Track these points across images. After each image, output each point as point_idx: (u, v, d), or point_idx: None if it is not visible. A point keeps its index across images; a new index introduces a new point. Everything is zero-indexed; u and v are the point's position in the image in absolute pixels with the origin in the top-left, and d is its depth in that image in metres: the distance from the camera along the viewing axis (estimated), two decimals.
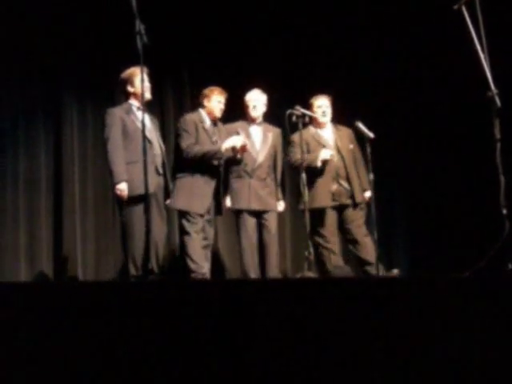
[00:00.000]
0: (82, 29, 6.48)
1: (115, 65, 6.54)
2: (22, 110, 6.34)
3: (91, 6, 6.44)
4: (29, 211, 6.28)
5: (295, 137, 5.85)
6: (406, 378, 3.12)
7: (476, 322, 3.26)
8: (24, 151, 6.32)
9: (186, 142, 5.55)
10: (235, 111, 6.13)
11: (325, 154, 5.79)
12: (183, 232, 5.61)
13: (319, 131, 6.03)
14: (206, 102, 5.73)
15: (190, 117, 5.72)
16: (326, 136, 6.02)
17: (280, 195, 5.99)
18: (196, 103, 5.88)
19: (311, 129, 6.00)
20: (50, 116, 6.48)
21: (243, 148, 5.60)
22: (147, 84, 5.24)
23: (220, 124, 5.82)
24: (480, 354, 3.19)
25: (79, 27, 6.47)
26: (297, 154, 5.83)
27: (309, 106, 5.97)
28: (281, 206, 5.99)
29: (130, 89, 5.30)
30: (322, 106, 6.00)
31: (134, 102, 5.32)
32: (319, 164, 5.78)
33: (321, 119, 6.00)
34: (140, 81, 5.22)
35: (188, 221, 5.54)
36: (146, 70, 5.26)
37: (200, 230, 5.54)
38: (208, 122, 5.71)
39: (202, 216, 5.54)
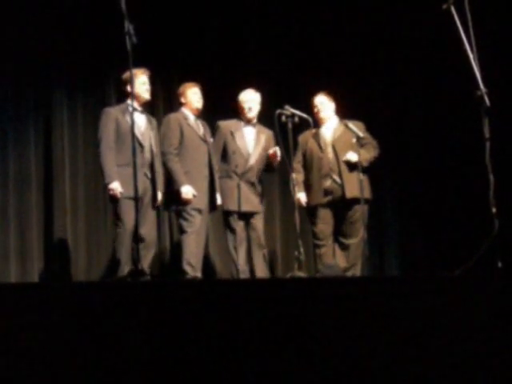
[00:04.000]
0: (72, 28, 6.46)
1: (105, 64, 6.58)
2: (11, 108, 6.31)
3: (81, 6, 6.43)
4: (19, 211, 6.25)
5: (299, 138, 6.00)
6: (395, 377, 3.14)
7: (466, 320, 3.27)
8: (14, 150, 6.29)
9: (167, 148, 5.60)
10: (226, 109, 6.15)
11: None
12: (181, 231, 5.62)
13: (320, 130, 6.01)
14: (183, 99, 5.81)
15: (173, 115, 5.79)
16: (327, 133, 6.00)
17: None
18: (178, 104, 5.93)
19: (312, 130, 5.95)
20: (39, 115, 6.45)
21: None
22: (147, 86, 5.48)
23: (203, 121, 5.86)
24: (470, 352, 3.20)
25: (69, 27, 6.45)
26: (298, 157, 5.98)
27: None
28: (274, 149, 5.82)
29: (129, 89, 5.29)
30: (317, 103, 6.02)
31: (133, 103, 5.35)
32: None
33: (317, 116, 5.99)
34: (140, 83, 5.38)
35: (185, 219, 5.54)
36: (147, 72, 5.39)
37: (198, 229, 5.53)
38: (192, 118, 5.77)
39: (199, 212, 5.55)
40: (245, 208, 5.73)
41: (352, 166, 5.80)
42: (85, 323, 3.05)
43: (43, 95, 6.49)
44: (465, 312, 3.29)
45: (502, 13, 6.34)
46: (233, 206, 5.73)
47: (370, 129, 5.98)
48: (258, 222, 5.83)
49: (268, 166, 5.95)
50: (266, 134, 5.97)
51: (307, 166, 6.00)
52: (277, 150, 5.76)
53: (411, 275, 6.02)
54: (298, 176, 5.90)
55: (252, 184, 5.82)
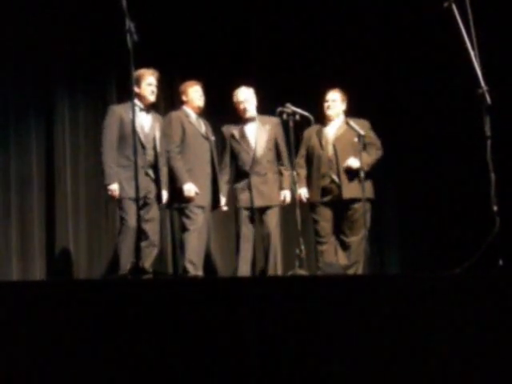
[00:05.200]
0: (73, 26, 6.46)
1: (106, 63, 6.58)
2: (13, 108, 6.32)
3: (82, 4, 6.43)
4: (21, 210, 6.26)
5: (304, 132, 5.98)
6: (395, 376, 3.14)
7: (467, 318, 3.27)
8: (15, 150, 6.30)
9: (170, 146, 5.63)
10: (227, 108, 6.15)
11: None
12: (183, 229, 5.62)
13: (324, 127, 5.99)
14: (184, 98, 5.83)
15: (175, 114, 5.80)
16: (330, 131, 5.98)
17: (286, 184, 5.91)
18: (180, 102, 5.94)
19: (317, 125, 5.95)
20: (41, 114, 6.46)
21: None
22: (153, 88, 5.48)
23: (205, 120, 5.88)
24: (471, 351, 3.20)
25: (70, 24, 6.45)
26: (302, 152, 5.99)
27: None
28: (285, 194, 5.88)
29: (135, 89, 5.30)
30: (328, 99, 5.99)
31: (138, 103, 5.38)
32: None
33: (326, 113, 5.98)
34: (146, 84, 5.41)
35: (188, 217, 5.55)
36: (156, 74, 5.39)
37: (200, 226, 5.53)
38: (193, 116, 5.78)
39: (202, 209, 5.55)
40: (258, 203, 5.75)
41: (353, 172, 5.78)
42: (86, 321, 3.05)
43: (44, 95, 6.50)
44: (466, 310, 3.29)
45: (503, 10, 6.33)
46: (246, 203, 5.76)
47: (370, 126, 5.98)
48: (270, 219, 5.81)
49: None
50: (270, 123, 5.93)
51: (309, 163, 6.01)
52: (286, 196, 5.85)
53: (412, 273, 6.01)
54: (300, 171, 5.92)
55: (263, 176, 5.82)
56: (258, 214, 5.83)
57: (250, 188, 5.77)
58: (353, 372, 3.12)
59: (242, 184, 5.81)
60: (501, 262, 4.09)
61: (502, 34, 6.28)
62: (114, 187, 5.26)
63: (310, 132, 6.01)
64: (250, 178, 5.79)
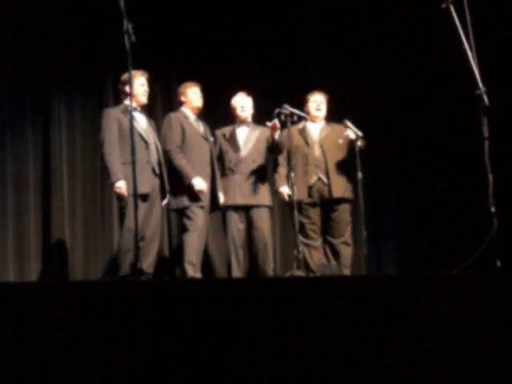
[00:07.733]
0: (71, 28, 6.46)
1: (103, 66, 6.58)
2: (9, 109, 6.31)
3: (80, 5, 6.43)
4: (17, 211, 6.26)
5: (283, 132, 5.85)
6: (394, 376, 3.14)
7: (464, 318, 3.28)
8: (12, 152, 6.29)
9: (170, 145, 5.59)
10: (224, 110, 6.14)
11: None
12: (183, 229, 5.60)
13: (309, 125, 6.02)
14: (183, 98, 5.82)
15: (174, 115, 5.79)
16: (314, 130, 6.01)
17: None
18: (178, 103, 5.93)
19: (301, 123, 5.96)
20: (38, 116, 6.46)
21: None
22: (146, 88, 5.47)
23: (203, 121, 5.86)
24: (469, 351, 3.20)
25: (67, 26, 6.46)
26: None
27: (304, 102, 6.03)
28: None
29: (127, 89, 5.28)
30: (317, 101, 6.03)
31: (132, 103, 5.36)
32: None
33: (315, 113, 6.01)
34: (139, 84, 5.41)
35: (189, 218, 5.52)
36: (146, 75, 5.38)
37: (200, 227, 5.51)
38: (192, 117, 5.78)
39: (203, 209, 5.53)
40: (240, 201, 5.74)
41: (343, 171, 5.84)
42: (83, 322, 3.05)
43: (41, 96, 6.49)
44: (463, 311, 3.29)
45: (501, 12, 6.34)
46: (229, 201, 5.75)
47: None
48: (258, 219, 5.79)
49: (272, 148, 5.89)
50: (262, 131, 5.92)
51: (292, 163, 5.95)
52: (276, 122, 5.69)
53: (409, 274, 6.01)
54: (281, 170, 5.91)
55: (247, 175, 5.81)
56: (244, 214, 5.81)
57: (234, 186, 5.76)
58: (351, 372, 3.12)
59: (226, 182, 5.81)
60: (498, 263, 4.10)
61: (499, 35, 6.29)
62: (121, 184, 5.19)
63: (291, 131, 5.91)
64: (235, 176, 5.79)
